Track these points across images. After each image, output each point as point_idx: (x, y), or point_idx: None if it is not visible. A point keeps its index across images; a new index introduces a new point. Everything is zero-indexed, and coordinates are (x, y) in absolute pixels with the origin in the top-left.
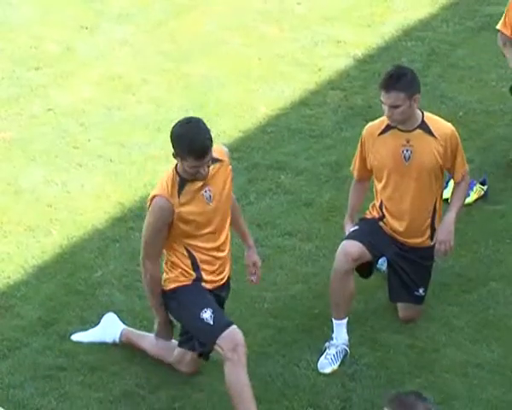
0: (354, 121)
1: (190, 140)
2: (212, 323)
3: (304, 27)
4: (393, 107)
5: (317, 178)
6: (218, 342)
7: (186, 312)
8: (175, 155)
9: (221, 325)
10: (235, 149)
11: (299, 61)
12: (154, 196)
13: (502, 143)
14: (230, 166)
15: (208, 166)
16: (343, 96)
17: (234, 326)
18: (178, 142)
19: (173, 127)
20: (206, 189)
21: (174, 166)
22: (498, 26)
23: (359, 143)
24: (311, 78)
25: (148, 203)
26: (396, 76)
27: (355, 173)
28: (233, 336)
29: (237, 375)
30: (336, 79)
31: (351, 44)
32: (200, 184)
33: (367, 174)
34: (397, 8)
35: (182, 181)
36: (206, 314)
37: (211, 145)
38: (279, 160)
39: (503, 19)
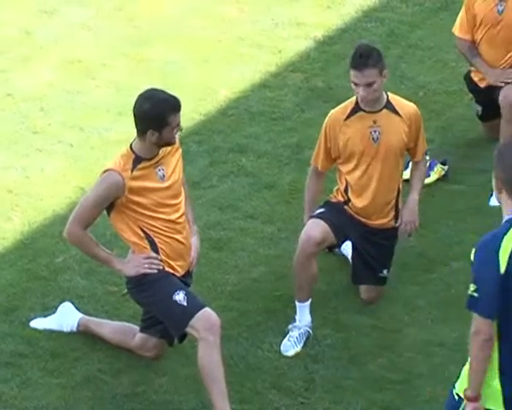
0: (315, 103)
1: (166, 100)
2: (185, 304)
3: (264, 9)
4: (368, 85)
5: (279, 161)
6: (192, 322)
7: (158, 297)
8: (144, 132)
9: (195, 306)
10: (196, 132)
11: (259, 43)
12: (106, 170)
13: (462, 124)
14: (180, 149)
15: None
16: (304, 78)
17: (208, 308)
18: (156, 111)
19: (139, 106)
20: (160, 167)
21: (129, 145)
22: (456, 32)
23: (322, 133)
24: (272, 60)
25: (99, 176)
26: (365, 54)
27: (319, 164)
28: (208, 316)
29: (211, 356)
30: (297, 61)
31: (311, 26)
32: (153, 162)
33: (330, 164)
34: None
35: (137, 158)
36: (179, 296)
37: None
38: (240, 142)
39: (459, 23)
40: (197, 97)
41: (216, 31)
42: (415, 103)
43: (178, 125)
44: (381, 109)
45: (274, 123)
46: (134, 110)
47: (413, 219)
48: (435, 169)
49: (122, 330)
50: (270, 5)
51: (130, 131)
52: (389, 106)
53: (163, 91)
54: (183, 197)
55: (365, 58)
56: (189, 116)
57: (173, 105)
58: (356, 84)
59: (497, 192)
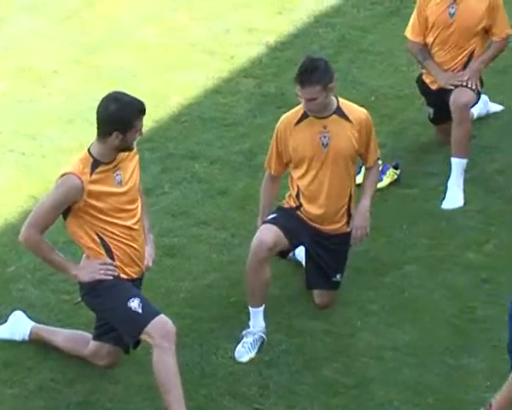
0: (267, 109)
1: (132, 103)
2: (140, 311)
3: (215, 15)
4: (311, 100)
5: (231, 167)
6: (147, 329)
7: (112, 303)
8: (109, 134)
9: (150, 312)
10: (149, 139)
11: (211, 50)
12: (64, 174)
13: (413, 128)
14: (138, 155)
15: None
16: (256, 84)
17: (163, 315)
18: (123, 114)
19: (104, 108)
20: (118, 172)
21: (87, 149)
22: (408, 35)
23: (274, 137)
24: (224, 66)
25: (57, 180)
26: (310, 69)
27: (272, 169)
28: (163, 323)
29: (166, 362)
30: (249, 67)
31: (263, 32)
32: (111, 166)
33: (283, 169)
34: None
35: (95, 162)
36: (134, 303)
37: None
38: (193, 149)
39: (411, 26)
40: (149, 104)
41: (168, 37)
42: (366, 108)
43: (141, 129)
44: (331, 115)
45: (226, 129)
46: (98, 112)
47: (364, 224)
48: (387, 173)
49: (75, 338)
50: (222, 11)
51: (83, 138)
52: (339, 111)
53: (128, 95)
54: (139, 203)
55: (309, 74)
56: None
57: (139, 108)
58: (299, 96)
59: None
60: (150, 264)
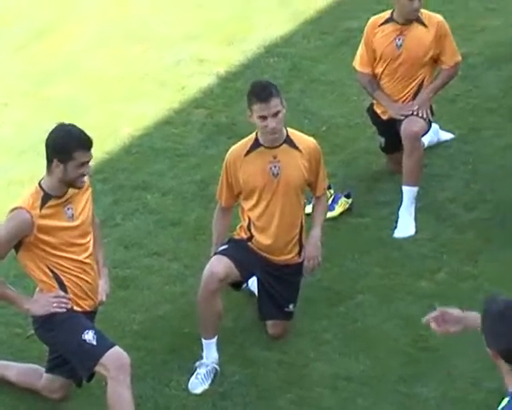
0: (219, 139)
1: (75, 134)
2: (95, 343)
3: (166, 46)
4: (275, 115)
5: (184, 197)
6: (102, 361)
7: (66, 336)
8: (50, 161)
9: (105, 344)
10: (100, 170)
11: (162, 81)
12: (14, 208)
13: (365, 157)
14: (90, 189)
15: (88, 169)
16: (207, 114)
17: (117, 347)
18: (63, 142)
19: (49, 135)
20: (69, 206)
21: (38, 182)
22: (356, 66)
23: (224, 169)
24: (175, 96)
25: (8, 213)
26: (265, 85)
27: (222, 200)
28: (118, 355)
29: (121, 394)
30: (200, 98)
31: (214, 62)
32: (62, 200)
33: (234, 200)
34: (258, 25)
35: (46, 196)
36: (89, 336)
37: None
38: (145, 180)
39: (359, 57)
40: (100, 135)
41: (118, 68)
42: (318, 138)
43: (85, 165)
44: (281, 144)
45: (178, 160)
46: (46, 140)
47: (316, 254)
48: (339, 202)
49: (28, 372)
50: (173, 42)
51: (34, 170)
52: (289, 141)
53: (78, 128)
54: (91, 237)
55: (268, 89)
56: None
57: (81, 141)
58: (264, 117)
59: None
60: (104, 298)
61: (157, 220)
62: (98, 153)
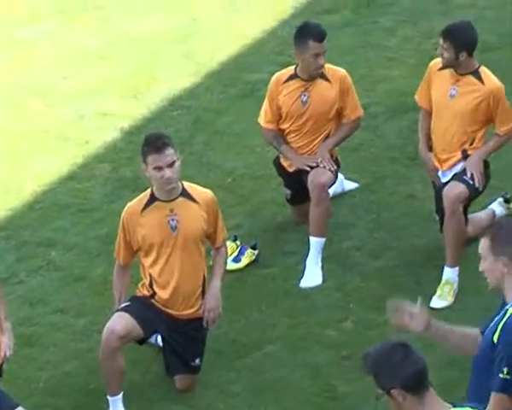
0: (123, 193)
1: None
2: None
3: (69, 101)
4: (170, 165)
5: (89, 253)
6: None
7: None
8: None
9: (8, 405)
10: (3, 227)
11: (65, 136)
12: None
13: (270, 207)
14: None
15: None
16: (111, 169)
17: (21, 407)
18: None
19: None
20: None
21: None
22: (261, 122)
23: (121, 227)
24: (79, 151)
25: None
26: (159, 135)
27: (120, 259)
28: None
29: None
30: (104, 152)
31: (117, 116)
32: None
33: (132, 257)
34: (161, 78)
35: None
36: None
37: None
38: (49, 236)
39: (263, 113)
40: (3, 192)
41: (21, 124)
42: (223, 190)
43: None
44: (177, 197)
45: (82, 215)
46: None
47: (215, 305)
48: (246, 254)
49: None
50: (75, 98)
51: None
52: (185, 194)
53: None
54: None
55: (161, 139)
56: None
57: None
58: (159, 168)
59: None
60: (8, 354)
61: (62, 277)
62: (1, 210)
